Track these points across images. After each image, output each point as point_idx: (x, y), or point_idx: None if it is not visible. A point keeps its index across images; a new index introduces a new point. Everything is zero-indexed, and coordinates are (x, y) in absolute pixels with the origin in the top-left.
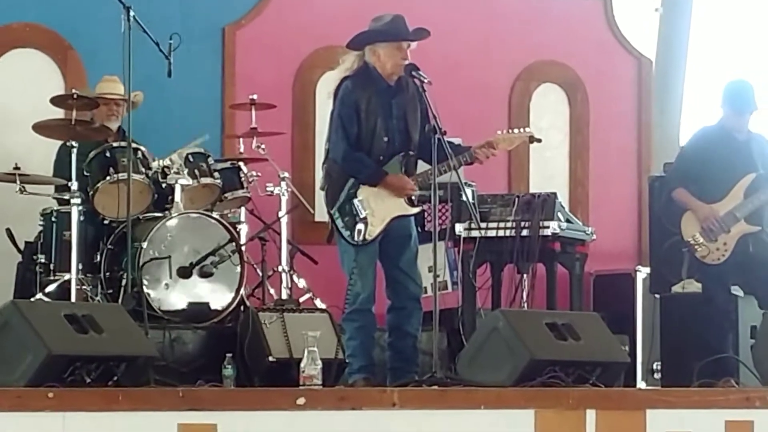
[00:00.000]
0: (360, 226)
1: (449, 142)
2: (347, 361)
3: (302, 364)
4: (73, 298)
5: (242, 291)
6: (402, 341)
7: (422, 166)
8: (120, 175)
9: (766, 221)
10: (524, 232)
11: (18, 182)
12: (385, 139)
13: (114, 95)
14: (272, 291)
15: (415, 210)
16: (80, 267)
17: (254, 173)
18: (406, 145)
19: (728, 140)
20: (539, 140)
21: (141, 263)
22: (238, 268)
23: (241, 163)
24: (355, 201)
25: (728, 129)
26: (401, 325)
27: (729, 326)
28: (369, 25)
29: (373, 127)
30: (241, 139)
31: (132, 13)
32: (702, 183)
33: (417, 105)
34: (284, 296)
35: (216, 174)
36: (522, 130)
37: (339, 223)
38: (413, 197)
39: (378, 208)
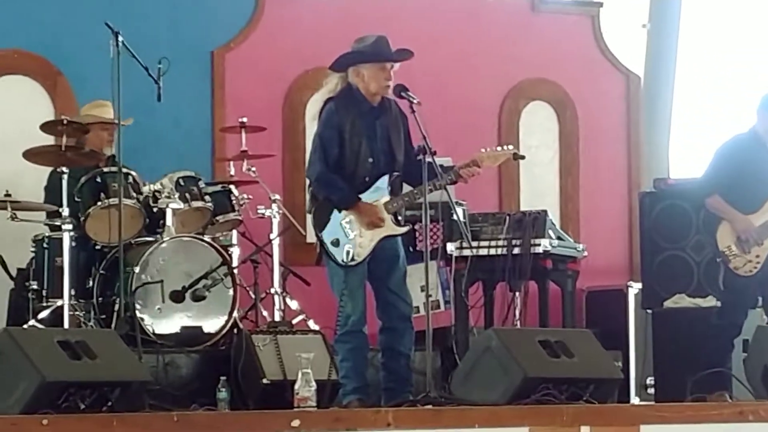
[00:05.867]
0: (348, 247)
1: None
2: (341, 382)
3: (296, 386)
4: (66, 324)
5: (235, 314)
6: (395, 361)
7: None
8: (111, 200)
9: None
10: (516, 250)
11: (9, 209)
12: (370, 160)
13: (107, 120)
14: (265, 313)
15: (403, 230)
16: (73, 293)
17: (245, 196)
18: (391, 166)
19: (762, 150)
20: (523, 157)
21: (133, 288)
22: (231, 291)
23: (232, 186)
24: (343, 222)
25: (761, 137)
26: (393, 346)
27: (733, 341)
28: (352, 47)
29: (358, 148)
30: (231, 162)
31: (121, 39)
32: (735, 192)
33: (400, 126)
34: (277, 318)
35: (207, 197)
36: (505, 147)
37: (327, 245)
38: (399, 217)
39: (365, 229)
